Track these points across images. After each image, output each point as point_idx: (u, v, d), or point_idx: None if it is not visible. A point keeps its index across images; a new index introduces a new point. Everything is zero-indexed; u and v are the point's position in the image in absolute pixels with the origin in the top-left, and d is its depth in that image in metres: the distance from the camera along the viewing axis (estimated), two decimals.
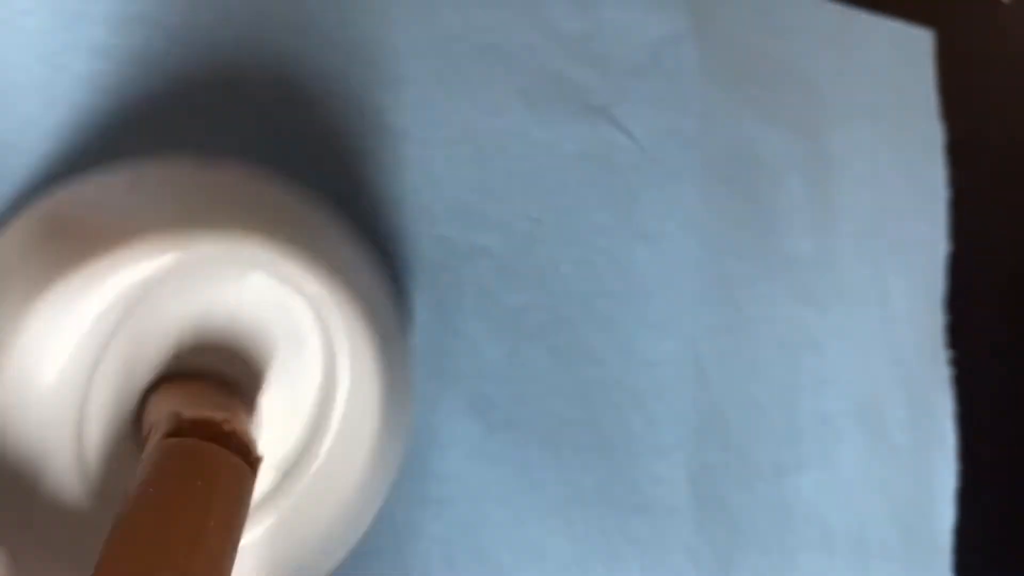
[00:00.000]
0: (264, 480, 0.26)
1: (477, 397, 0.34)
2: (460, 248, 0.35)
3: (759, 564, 0.39)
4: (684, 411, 0.39)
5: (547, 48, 0.39)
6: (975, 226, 0.49)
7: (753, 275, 0.42)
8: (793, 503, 0.40)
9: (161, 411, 0.22)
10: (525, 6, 0.39)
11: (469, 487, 0.34)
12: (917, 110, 0.49)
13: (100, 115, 0.29)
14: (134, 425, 0.24)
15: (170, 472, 0.19)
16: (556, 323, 0.37)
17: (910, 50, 0.49)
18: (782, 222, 0.44)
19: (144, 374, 0.24)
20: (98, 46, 0.30)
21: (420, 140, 0.35)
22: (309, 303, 0.26)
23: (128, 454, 0.23)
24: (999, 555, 0.45)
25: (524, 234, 0.37)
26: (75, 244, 0.23)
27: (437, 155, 0.35)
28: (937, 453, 0.45)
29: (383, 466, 0.30)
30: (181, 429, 0.20)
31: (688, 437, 0.39)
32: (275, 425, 0.26)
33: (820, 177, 0.45)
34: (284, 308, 0.26)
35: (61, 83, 0.29)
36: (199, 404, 0.22)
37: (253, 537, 0.26)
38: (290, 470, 0.28)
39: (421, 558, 0.33)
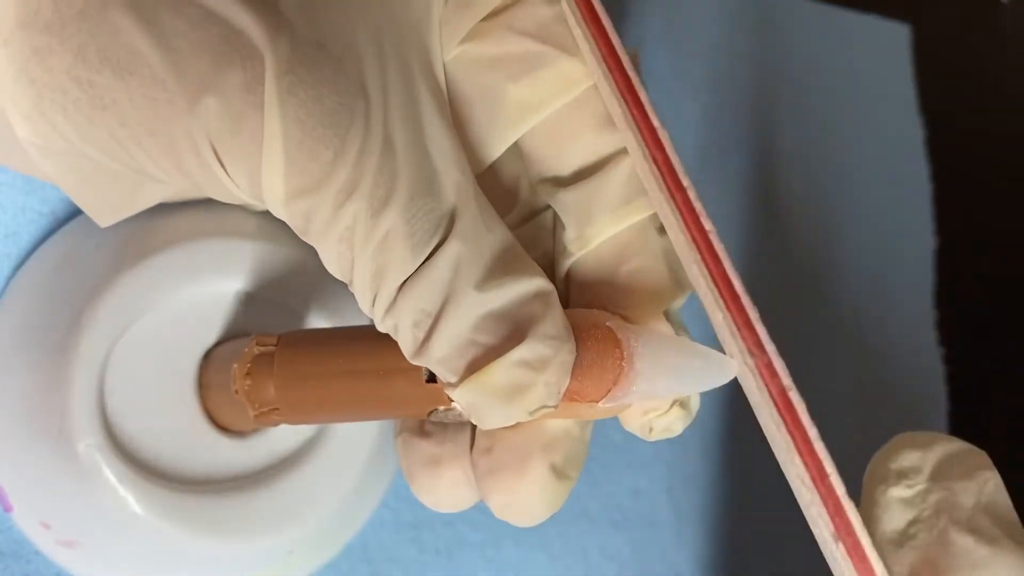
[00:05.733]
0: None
1: None
2: None
3: (742, 575, 0.39)
4: None
5: None
6: (962, 219, 0.48)
7: None
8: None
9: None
10: None
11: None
12: (895, 106, 0.48)
13: None
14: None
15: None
16: None
17: (887, 45, 0.49)
18: (764, 225, 0.43)
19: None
20: None
21: None
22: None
23: None
24: None
25: None
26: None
27: None
28: None
29: (379, 470, 0.30)
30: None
31: (667, 449, 0.38)
32: None
33: None
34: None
35: None
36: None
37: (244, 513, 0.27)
38: (293, 459, 0.28)
39: None
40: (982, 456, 0.20)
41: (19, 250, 0.29)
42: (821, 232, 0.45)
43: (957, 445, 0.20)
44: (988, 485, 0.19)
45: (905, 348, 0.46)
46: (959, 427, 0.45)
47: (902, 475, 0.20)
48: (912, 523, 0.19)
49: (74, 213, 0.29)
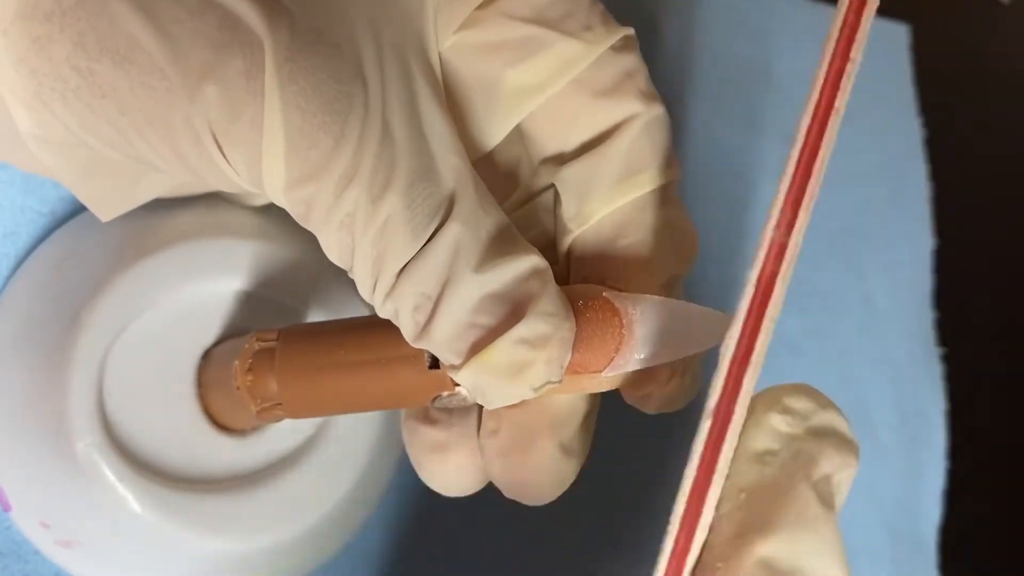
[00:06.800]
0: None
1: None
2: None
3: None
4: None
5: None
6: (960, 220, 0.48)
7: (728, 281, 0.42)
8: None
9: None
10: None
11: (441, 508, 0.34)
12: (895, 106, 0.48)
13: None
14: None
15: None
16: None
17: (886, 45, 0.49)
18: (757, 227, 0.43)
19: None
20: None
21: None
22: None
23: None
24: (983, 554, 0.45)
25: None
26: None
27: None
28: (926, 453, 0.44)
29: (378, 469, 0.30)
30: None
31: (670, 449, 0.38)
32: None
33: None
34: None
35: None
36: None
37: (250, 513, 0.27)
38: (292, 459, 0.28)
39: None
40: (856, 448, 0.20)
41: (18, 249, 0.29)
42: (820, 231, 0.45)
43: (845, 426, 0.20)
44: (846, 472, 0.20)
45: (905, 348, 0.45)
46: (958, 427, 0.45)
47: (788, 411, 0.20)
48: (769, 452, 0.19)
49: (73, 212, 0.29)
